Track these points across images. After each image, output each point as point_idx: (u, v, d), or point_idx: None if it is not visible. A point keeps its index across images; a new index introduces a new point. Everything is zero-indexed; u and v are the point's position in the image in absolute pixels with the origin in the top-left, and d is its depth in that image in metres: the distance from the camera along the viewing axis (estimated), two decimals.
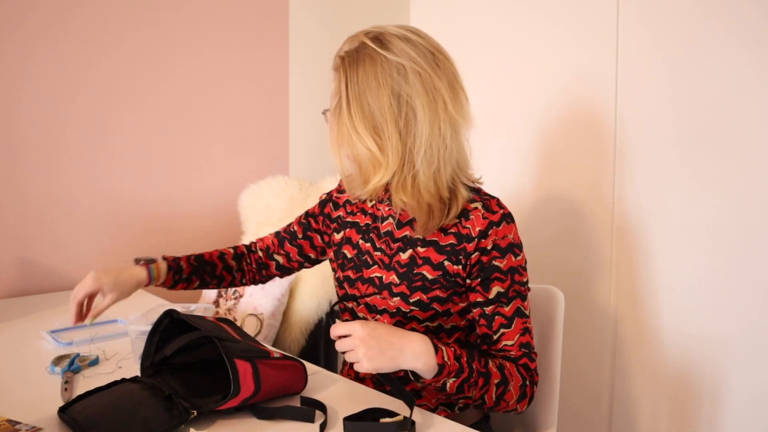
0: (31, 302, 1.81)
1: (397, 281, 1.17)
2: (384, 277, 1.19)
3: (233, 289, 1.94)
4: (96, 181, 2.03)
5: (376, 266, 1.21)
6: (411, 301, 1.15)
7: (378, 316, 1.19)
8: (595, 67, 1.56)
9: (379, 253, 1.21)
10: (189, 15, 2.18)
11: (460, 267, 1.13)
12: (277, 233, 1.45)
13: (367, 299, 1.21)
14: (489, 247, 1.11)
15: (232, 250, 1.45)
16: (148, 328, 1.19)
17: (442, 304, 1.15)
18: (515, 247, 1.13)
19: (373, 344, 0.99)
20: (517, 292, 1.13)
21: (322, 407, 1.04)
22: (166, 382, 1.07)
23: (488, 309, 1.12)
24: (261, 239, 1.48)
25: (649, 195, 1.48)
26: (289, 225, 1.43)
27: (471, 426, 1.13)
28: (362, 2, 2.51)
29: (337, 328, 1.02)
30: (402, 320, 1.16)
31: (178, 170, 2.20)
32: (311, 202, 2.09)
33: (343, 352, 1.02)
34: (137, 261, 1.34)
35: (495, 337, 1.12)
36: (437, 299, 1.14)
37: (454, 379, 1.03)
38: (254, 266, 1.46)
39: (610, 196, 1.55)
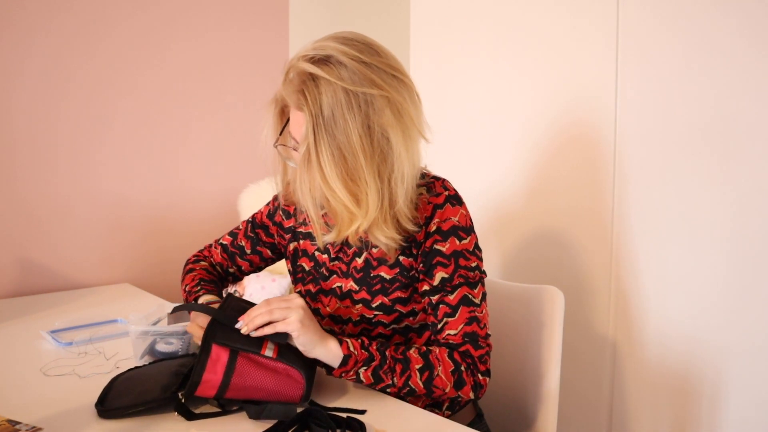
0: (31, 302, 1.81)
1: (356, 288, 1.12)
2: (343, 285, 1.14)
3: (233, 288, 1.94)
4: (94, 181, 2.03)
5: (335, 276, 1.16)
6: (373, 306, 1.11)
7: (344, 326, 1.15)
8: (593, 67, 1.56)
9: (336, 262, 1.16)
10: (187, 13, 2.18)
11: (412, 259, 1.09)
12: (225, 247, 1.33)
13: (331, 311, 1.16)
14: (432, 231, 1.07)
15: (204, 271, 1.32)
16: (148, 328, 1.19)
17: (405, 305, 1.11)
18: (460, 230, 1.06)
19: (310, 318, 1.02)
20: (464, 277, 1.07)
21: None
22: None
23: (434, 298, 1.08)
24: (209, 253, 1.35)
25: (649, 196, 1.48)
26: (236, 237, 1.32)
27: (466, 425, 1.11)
28: None
29: (273, 301, 1.02)
30: (367, 327, 1.13)
31: (177, 170, 2.20)
32: None
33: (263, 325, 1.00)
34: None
35: (439, 326, 1.08)
36: (399, 300, 1.10)
37: (365, 368, 1.02)
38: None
39: (609, 196, 1.55)
